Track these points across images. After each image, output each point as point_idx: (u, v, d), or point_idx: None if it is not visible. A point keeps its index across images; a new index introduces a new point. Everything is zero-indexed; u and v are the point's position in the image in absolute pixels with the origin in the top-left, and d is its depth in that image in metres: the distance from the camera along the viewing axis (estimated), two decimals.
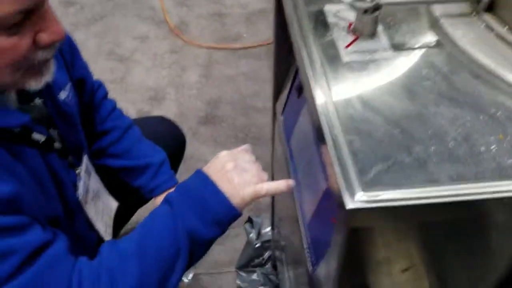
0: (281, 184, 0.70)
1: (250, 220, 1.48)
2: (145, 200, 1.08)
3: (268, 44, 2.08)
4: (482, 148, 0.42)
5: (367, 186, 0.40)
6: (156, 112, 1.81)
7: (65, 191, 0.74)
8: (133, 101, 1.87)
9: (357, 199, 0.39)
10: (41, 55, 0.59)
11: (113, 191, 0.95)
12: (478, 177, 0.40)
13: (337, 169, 0.41)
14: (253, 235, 1.43)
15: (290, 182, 0.70)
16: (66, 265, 0.63)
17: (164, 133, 1.12)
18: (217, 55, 2.05)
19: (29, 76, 0.61)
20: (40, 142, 0.67)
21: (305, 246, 0.72)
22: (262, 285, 1.36)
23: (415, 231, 0.45)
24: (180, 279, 0.68)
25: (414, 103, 0.46)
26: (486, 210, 0.41)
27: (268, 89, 1.88)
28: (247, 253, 1.41)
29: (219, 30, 2.16)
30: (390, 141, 0.43)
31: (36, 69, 0.61)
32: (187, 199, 0.67)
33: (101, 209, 0.90)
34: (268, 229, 1.44)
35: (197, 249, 0.67)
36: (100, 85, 0.97)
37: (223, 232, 0.69)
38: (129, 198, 1.01)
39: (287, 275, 1.07)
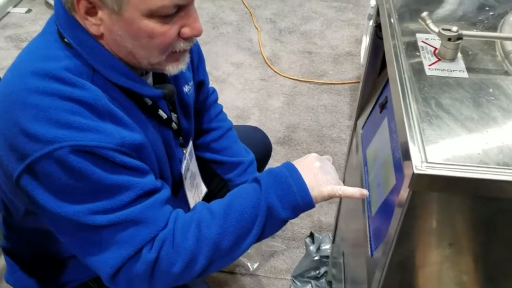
0: (355, 191, 0.78)
1: (311, 235, 1.59)
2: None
3: (350, 83, 2.23)
4: None
5: (432, 158, 0.53)
6: None
7: (173, 163, 0.91)
8: None
9: (423, 166, 0.52)
10: (181, 45, 0.74)
11: (204, 180, 1.10)
12: None
13: (411, 144, 0.54)
14: (312, 248, 1.53)
15: (365, 192, 0.79)
16: (167, 208, 0.77)
17: (256, 140, 1.29)
18: (301, 87, 2.23)
19: (170, 61, 0.76)
20: (164, 118, 0.85)
21: (367, 236, 0.83)
22: None
23: (469, 207, 0.56)
24: (248, 248, 0.78)
25: (478, 110, 0.59)
26: None
27: (344, 122, 2.03)
28: (305, 264, 1.51)
29: (306, 66, 2.35)
30: (456, 133, 0.56)
31: (176, 56, 0.76)
32: (274, 181, 0.78)
33: (195, 189, 1.07)
34: (328, 245, 1.53)
35: (270, 225, 0.77)
36: (214, 91, 1.16)
37: (294, 217, 0.79)
38: (215, 190, 1.18)
39: None
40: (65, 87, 0.67)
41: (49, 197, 0.69)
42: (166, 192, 0.79)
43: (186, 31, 0.72)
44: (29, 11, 2.80)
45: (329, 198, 0.79)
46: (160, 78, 0.87)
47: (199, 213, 0.77)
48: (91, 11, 0.68)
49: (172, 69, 0.77)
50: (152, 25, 0.69)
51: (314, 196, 0.77)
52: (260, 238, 0.78)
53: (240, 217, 0.76)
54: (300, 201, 0.77)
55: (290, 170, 0.79)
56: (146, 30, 0.69)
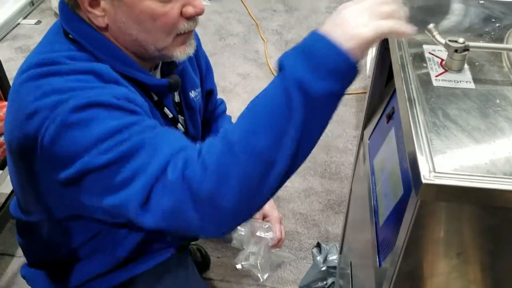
0: (407, 28, 0.59)
1: (318, 246, 1.59)
2: None
3: (356, 93, 2.24)
4: None
5: (440, 168, 0.53)
6: None
7: None
8: None
9: (431, 176, 0.53)
10: (185, 25, 0.75)
11: None
12: None
13: (418, 154, 0.55)
14: (320, 258, 1.53)
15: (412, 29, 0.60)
16: (182, 136, 0.71)
17: None
18: None
19: (177, 44, 0.77)
20: (169, 117, 0.86)
21: (375, 246, 0.83)
22: None
23: (477, 217, 0.57)
24: (300, 145, 0.61)
25: (485, 120, 0.60)
26: None
27: (350, 132, 2.03)
28: (312, 274, 1.51)
29: None
30: (463, 143, 0.57)
31: (182, 39, 0.77)
32: (298, 56, 0.59)
33: None
34: (335, 256, 1.53)
35: (313, 108, 0.59)
36: (222, 102, 1.17)
37: (342, 87, 0.59)
38: None
39: None
40: (68, 66, 0.69)
41: (62, 167, 0.67)
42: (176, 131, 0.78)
43: (188, 10, 0.74)
44: (38, 22, 2.84)
45: (376, 38, 0.59)
46: (168, 75, 0.89)
47: (224, 129, 0.65)
48: (94, 3, 0.71)
49: (180, 54, 0.79)
50: (153, 5, 0.71)
51: (350, 48, 0.57)
52: (311, 130, 0.62)
53: (271, 109, 0.60)
54: (332, 61, 0.57)
55: (313, 35, 0.60)
56: (147, 12, 0.71)
